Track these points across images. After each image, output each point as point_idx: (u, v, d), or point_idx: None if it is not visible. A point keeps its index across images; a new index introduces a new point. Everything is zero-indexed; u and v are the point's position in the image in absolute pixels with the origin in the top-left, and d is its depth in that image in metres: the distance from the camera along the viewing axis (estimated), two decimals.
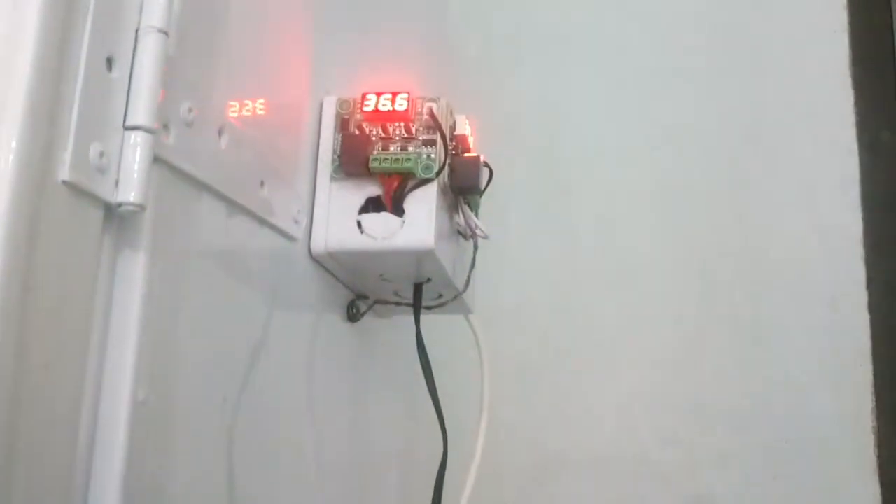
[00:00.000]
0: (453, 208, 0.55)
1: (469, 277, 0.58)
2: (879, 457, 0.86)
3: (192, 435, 0.39)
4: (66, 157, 0.31)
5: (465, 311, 0.61)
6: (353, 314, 0.58)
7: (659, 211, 0.96)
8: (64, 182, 0.31)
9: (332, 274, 0.54)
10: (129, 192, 0.33)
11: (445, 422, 0.55)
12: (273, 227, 0.47)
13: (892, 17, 0.98)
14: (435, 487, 0.54)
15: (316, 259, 0.52)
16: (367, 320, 0.60)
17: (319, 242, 0.51)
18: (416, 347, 0.54)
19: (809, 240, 0.92)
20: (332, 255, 0.51)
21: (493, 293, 0.78)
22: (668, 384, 0.91)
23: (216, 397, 0.42)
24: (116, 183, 0.33)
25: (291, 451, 0.51)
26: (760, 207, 0.94)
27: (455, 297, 0.58)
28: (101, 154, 0.32)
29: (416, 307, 0.56)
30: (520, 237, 0.96)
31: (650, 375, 0.92)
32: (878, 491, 0.85)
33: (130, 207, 0.33)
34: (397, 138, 0.51)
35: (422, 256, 0.51)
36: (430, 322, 0.57)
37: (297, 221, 0.49)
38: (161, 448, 0.37)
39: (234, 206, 0.43)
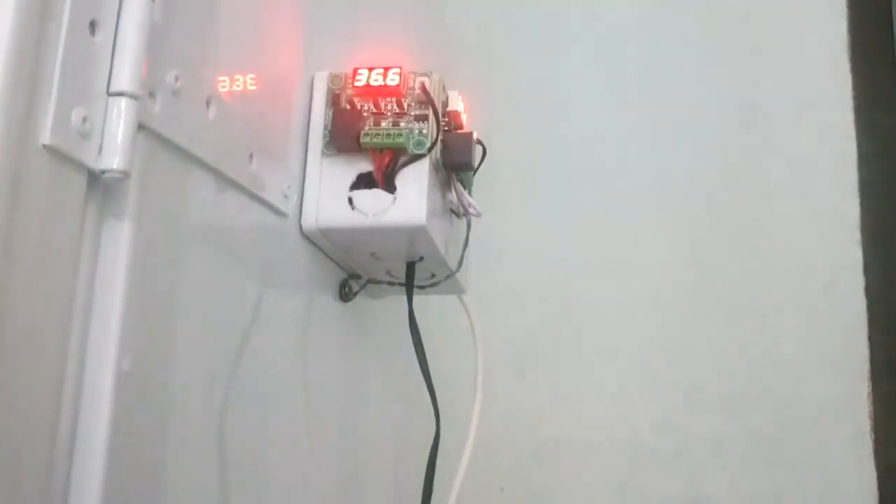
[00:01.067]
0: (446, 186, 0.54)
1: (462, 257, 0.58)
2: (876, 441, 0.85)
3: (180, 408, 0.39)
4: (48, 120, 0.30)
5: (459, 291, 0.61)
6: (345, 294, 0.58)
7: (655, 194, 0.95)
8: (45, 146, 0.30)
9: (324, 252, 0.54)
10: (113, 158, 0.33)
11: (438, 402, 0.54)
12: (262, 202, 0.46)
13: (890, 1, 0.97)
14: (427, 467, 0.53)
15: (307, 236, 0.51)
16: (360, 300, 0.59)
17: (310, 219, 0.50)
18: (408, 327, 0.54)
19: (807, 224, 0.92)
20: (324, 233, 0.51)
21: (487, 273, 0.78)
22: (664, 368, 0.91)
23: (204, 371, 0.41)
24: (100, 149, 0.33)
25: (283, 429, 0.50)
26: (758, 191, 0.93)
27: (448, 277, 0.57)
28: (85, 119, 0.32)
29: (409, 286, 0.55)
30: (515, 217, 0.95)
31: (645, 359, 0.91)
32: (874, 476, 0.85)
33: (114, 174, 0.33)
34: (389, 114, 0.50)
35: (414, 234, 0.50)
36: (424, 302, 0.57)
37: (286, 196, 0.49)
38: (147, 419, 0.36)
39: (221, 179, 0.42)
